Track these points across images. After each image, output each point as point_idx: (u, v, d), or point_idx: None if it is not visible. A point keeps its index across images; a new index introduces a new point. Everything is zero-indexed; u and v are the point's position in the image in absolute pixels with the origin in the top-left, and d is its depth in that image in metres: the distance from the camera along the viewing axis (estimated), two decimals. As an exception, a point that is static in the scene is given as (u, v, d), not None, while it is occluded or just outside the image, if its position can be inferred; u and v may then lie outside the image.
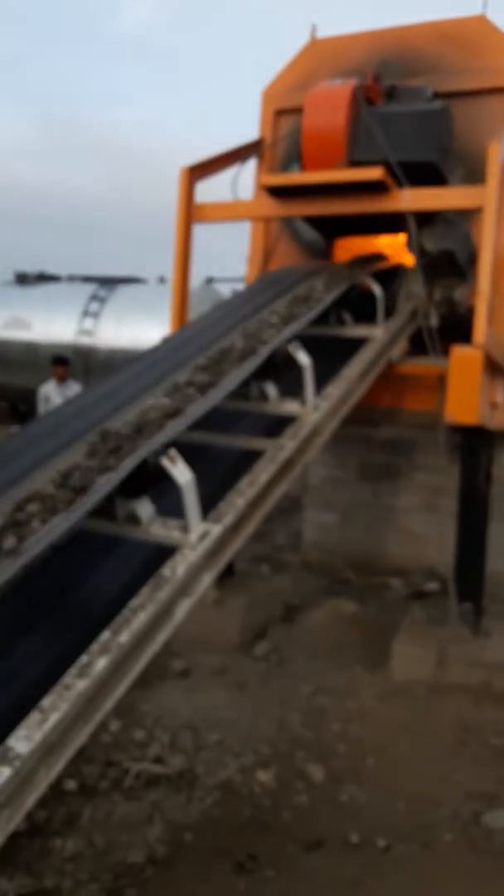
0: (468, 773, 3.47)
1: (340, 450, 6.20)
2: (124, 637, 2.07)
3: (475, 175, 4.53)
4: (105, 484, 2.22)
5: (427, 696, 4.14)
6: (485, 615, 4.63)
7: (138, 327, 10.92)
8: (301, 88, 5.18)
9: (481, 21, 5.16)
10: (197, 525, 2.47)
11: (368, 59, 5.28)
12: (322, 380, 3.62)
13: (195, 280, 10.11)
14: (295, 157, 5.17)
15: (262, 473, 3.00)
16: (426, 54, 5.25)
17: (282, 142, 5.54)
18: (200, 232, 5.23)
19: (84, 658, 1.95)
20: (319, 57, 5.57)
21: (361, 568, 6.08)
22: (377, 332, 4.30)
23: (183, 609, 2.36)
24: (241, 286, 7.09)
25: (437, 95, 5.04)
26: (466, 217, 4.84)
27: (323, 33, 5.70)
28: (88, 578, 2.51)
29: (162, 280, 12.65)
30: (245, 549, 3.11)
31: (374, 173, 4.33)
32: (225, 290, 11.51)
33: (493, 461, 4.86)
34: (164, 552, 2.43)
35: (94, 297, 11.94)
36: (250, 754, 3.56)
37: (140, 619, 2.14)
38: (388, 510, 6.26)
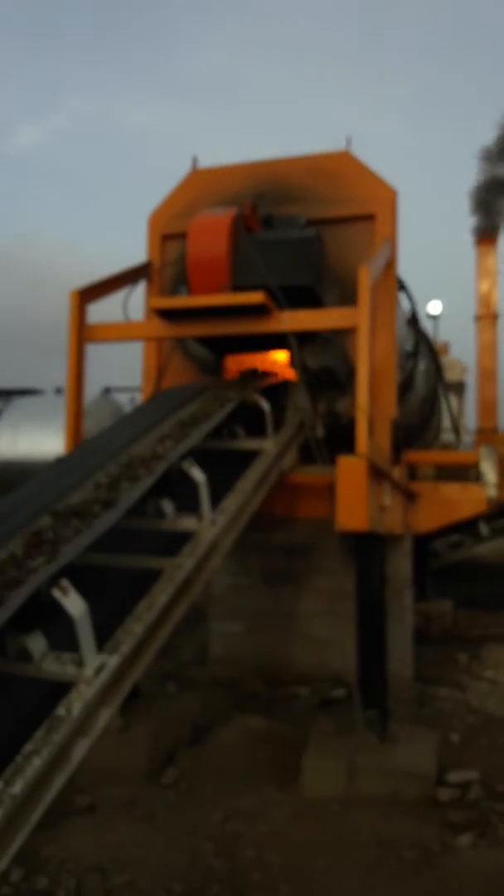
0: (387, 892, 3.40)
1: (242, 556, 6.21)
2: (17, 787, 1.98)
3: (349, 295, 4.80)
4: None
5: (339, 810, 4.06)
6: (391, 719, 4.63)
7: (35, 439, 10.81)
8: (185, 215, 5.42)
9: (345, 156, 5.65)
10: (92, 658, 2.41)
11: (246, 189, 5.62)
12: (218, 492, 3.67)
13: (93, 390, 10.16)
14: (182, 280, 5.36)
15: (160, 595, 2.96)
16: (298, 185, 5.64)
17: (169, 266, 5.77)
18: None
19: (-26, 815, 1.85)
20: (201, 186, 5.87)
21: (269, 678, 6.00)
22: (268, 445, 4.45)
23: (81, 750, 2.27)
24: (138, 396, 7.18)
25: (309, 223, 5.40)
26: (342, 334, 5.10)
27: (203, 163, 6.08)
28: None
29: (59, 391, 12.60)
30: (151, 667, 3.05)
31: (255, 297, 4.56)
32: (123, 399, 11.60)
33: (386, 562, 4.98)
34: (60, 688, 2.36)
35: (-12, 409, 11.78)
36: (162, 894, 3.38)
37: (34, 766, 2.05)
38: (291, 616, 6.27)
